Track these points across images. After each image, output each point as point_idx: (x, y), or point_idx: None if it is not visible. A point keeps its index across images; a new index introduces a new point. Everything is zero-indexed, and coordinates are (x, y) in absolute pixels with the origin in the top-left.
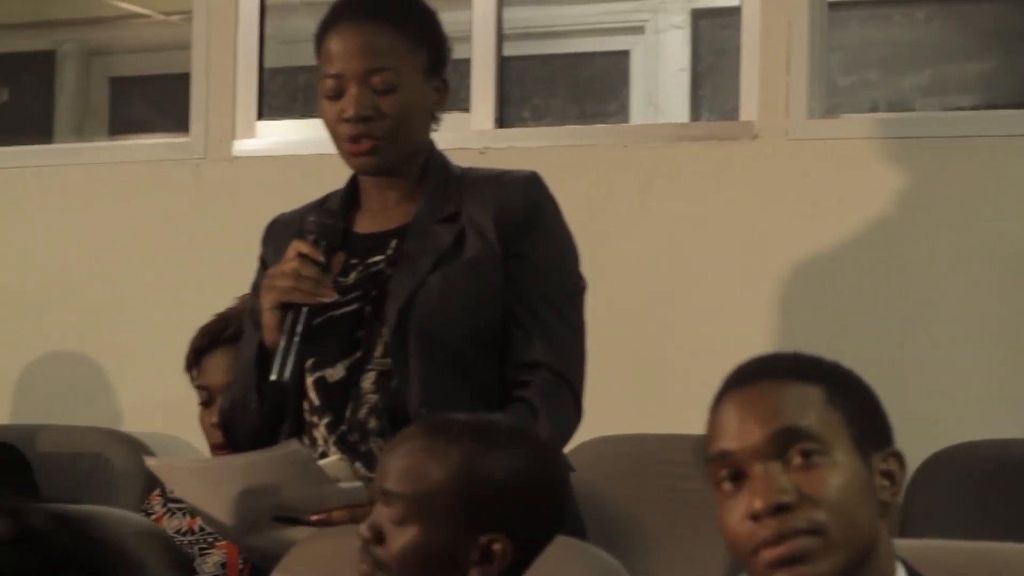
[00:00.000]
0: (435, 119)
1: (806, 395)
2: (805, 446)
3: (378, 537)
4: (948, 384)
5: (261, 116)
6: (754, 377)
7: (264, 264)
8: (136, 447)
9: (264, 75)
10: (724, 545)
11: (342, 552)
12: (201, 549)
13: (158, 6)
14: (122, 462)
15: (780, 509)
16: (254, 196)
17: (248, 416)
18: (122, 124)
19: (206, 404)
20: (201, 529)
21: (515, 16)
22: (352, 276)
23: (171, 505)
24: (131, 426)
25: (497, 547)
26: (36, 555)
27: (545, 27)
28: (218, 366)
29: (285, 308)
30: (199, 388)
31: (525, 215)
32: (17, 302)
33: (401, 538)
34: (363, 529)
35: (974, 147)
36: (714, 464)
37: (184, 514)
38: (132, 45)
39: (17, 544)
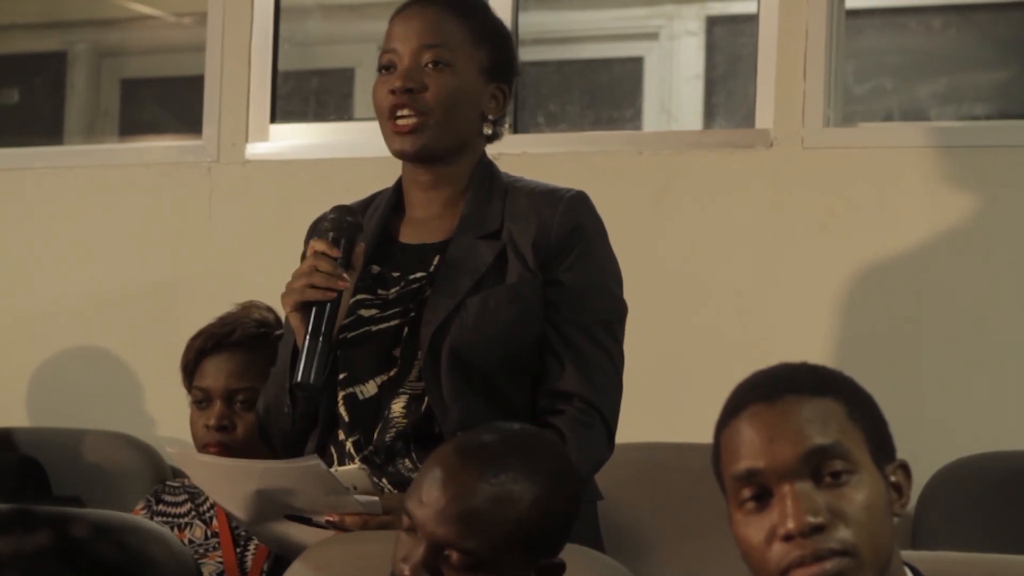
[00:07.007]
0: (488, 123)
1: (830, 411)
2: (835, 465)
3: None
4: (962, 394)
5: (274, 119)
6: (777, 392)
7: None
8: (145, 452)
9: (277, 78)
10: (743, 560)
11: (352, 557)
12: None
13: (170, 8)
14: (130, 466)
15: (814, 531)
16: (266, 200)
17: (281, 421)
18: (133, 126)
19: (200, 405)
20: (191, 542)
21: (530, 21)
22: (393, 292)
23: (158, 520)
24: (136, 430)
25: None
26: (77, 565)
27: (560, 33)
28: (220, 369)
29: (307, 310)
30: (195, 389)
31: (564, 238)
32: (22, 305)
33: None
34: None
35: (989, 157)
36: (738, 482)
37: (172, 528)
38: (143, 47)
39: (60, 554)
